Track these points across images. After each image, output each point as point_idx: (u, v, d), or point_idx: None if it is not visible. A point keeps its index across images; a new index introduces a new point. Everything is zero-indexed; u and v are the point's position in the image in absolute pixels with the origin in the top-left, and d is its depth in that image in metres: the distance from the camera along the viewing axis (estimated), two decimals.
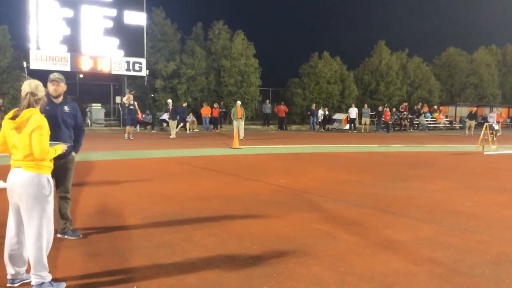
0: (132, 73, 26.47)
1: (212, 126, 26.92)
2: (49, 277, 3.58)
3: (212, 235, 5.14)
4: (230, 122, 25.39)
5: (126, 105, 17.71)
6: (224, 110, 28.93)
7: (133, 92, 22.54)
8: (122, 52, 25.94)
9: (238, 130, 18.59)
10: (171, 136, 20.35)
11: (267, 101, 31.54)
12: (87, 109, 27.01)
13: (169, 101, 22.57)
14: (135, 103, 19.02)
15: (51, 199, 3.64)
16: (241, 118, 19.71)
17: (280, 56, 46.04)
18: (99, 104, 27.40)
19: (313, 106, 30.44)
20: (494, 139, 16.98)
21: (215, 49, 31.26)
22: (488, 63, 41.00)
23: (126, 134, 17.91)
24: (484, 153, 15.56)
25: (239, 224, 5.66)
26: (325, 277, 3.97)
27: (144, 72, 26.69)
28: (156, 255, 4.45)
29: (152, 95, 29.82)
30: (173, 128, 21.04)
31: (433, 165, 12.29)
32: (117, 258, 4.35)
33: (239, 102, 20.49)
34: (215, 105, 27.54)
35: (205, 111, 26.41)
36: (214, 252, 4.56)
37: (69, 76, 26.36)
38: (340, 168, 11.26)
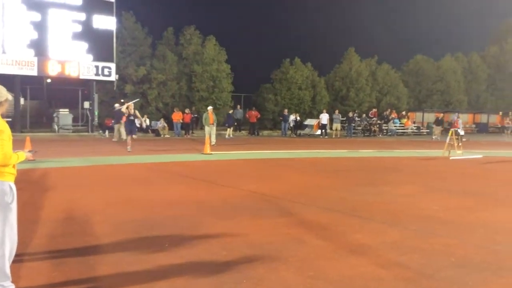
0: (101, 77, 26.04)
1: (183, 132, 26.73)
2: (11, 287, 3.47)
3: (182, 241, 5.09)
4: (202, 128, 25.28)
5: (126, 115, 15.96)
6: (195, 115, 28.78)
7: (136, 100, 21.74)
8: (91, 57, 25.51)
9: (210, 136, 18.54)
10: (114, 139, 21.27)
11: (239, 106, 31.58)
12: (54, 115, 26.42)
13: (117, 105, 22.85)
14: (136, 112, 16.94)
15: (13, 206, 3.53)
16: (212, 124, 19.66)
17: (252, 62, 46.17)
18: (67, 109, 26.82)
19: (285, 112, 30.63)
20: (460, 144, 17.45)
21: (187, 54, 31.12)
22: (454, 70, 42.22)
23: (128, 146, 15.64)
24: (450, 158, 15.96)
25: (209, 230, 5.63)
26: (294, 282, 3.98)
27: (113, 77, 26.30)
28: (123, 262, 4.37)
29: (122, 100, 29.40)
30: (121, 131, 21.47)
31: (401, 170, 12.54)
32: (83, 266, 4.25)
33: (210, 108, 20.45)
34: (187, 110, 27.37)
35: (176, 116, 26.22)
36: (184, 258, 4.52)
37: (36, 81, 25.81)
38: (311, 173, 11.36)
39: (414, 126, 35.64)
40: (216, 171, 11.65)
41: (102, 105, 27.04)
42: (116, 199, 7.45)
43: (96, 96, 26.46)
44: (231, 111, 28.39)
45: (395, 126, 33.32)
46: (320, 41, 59.69)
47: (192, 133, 27.57)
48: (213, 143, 18.87)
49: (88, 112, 26.47)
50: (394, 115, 34.42)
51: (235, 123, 28.51)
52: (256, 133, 29.79)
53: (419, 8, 72.72)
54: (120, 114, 22.47)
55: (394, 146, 21.97)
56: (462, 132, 20.59)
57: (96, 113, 26.35)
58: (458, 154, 16.74)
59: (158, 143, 20.82)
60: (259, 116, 30.53)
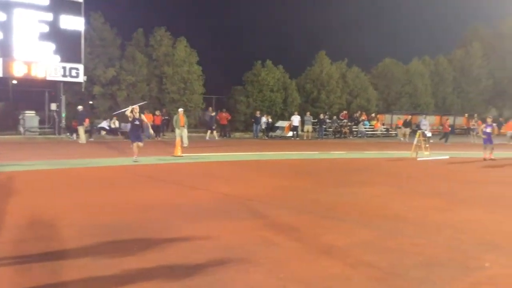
0: (68, 79, 25.43)
1: (154, 134, 26.36)
2: None
3: (151, 245, 5.00)
4: (173, 130, 25.00)
5: (130, 120, 13.89)
6: (166, 117, 28.49)
7: (143, 102, 20.57)
8: (58, 58, 24.90)
9: (182, 138, 18.37)
10: (81, 142, 21.17)
11: (210, 108, 31.40)
12: (20, 117, 25.67)
13: (80, 107, 22.71)
14: (142, 116, 14.43)
15: None
16: (183, 126, 19.49)
17: (223, 63, 46.07)
18: (33, 111, 26.10)
19: (257, 114, 30.65)
20: (427, 145, 17.84)
21: (157, 55, 30.80)
22: (421, 73, 43.21)
23: (134, 156, 13.58)
24: (418, 159, 16.29)
25: (180, 233, 5.55)
26: (265, 284, 3.97)
27: (81, 78, 25.74)
28: (91, 267, 4.26)
29: (91, 102, 28.87)
30: (80, 134, 21.69)
31: (371, 171, 12.72)
32: (49, 272, 4.12)
33: (181, 110, 20.27)
34: (157, 112, 27.06)
35: (147, 118, 25.82)
36: (154, 262, 4.43)
37: (1, 82, 24.99)
38: (283, 175, 11.38)
39: (383, 128, 36.25)
40: (187, 173, 11.54)
41: (69, 107, 26.42)
42: (83, 202, 7.28)
43: (63, 98, 25.87)
44: (213, 113, 28.19)
45: (365, 128, 33.81)
46: (291, 44, 60.16)
47: (163, 135, 27.24)
48: (185, 145, 18.71)
49: (55, 114, 25.87)
50: (364, 117, 34.92)
51: (215, 125, 28.46)
52: (227, 135, 29.69)
53: (387, 12, 74.18)
54: (83, 116, 22.27)
55: (364, 147, 22.28)
56: (429, 134, 21.10)
57: (63, 115, 25.77)
58: (425, 155, 17.10)
59: (127, 145, 20.45)
60: (230, 118, 30.45)
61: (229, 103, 34.31)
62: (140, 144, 13.58)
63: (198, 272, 4.18)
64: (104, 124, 26.74)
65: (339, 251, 4.94)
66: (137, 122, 13.81)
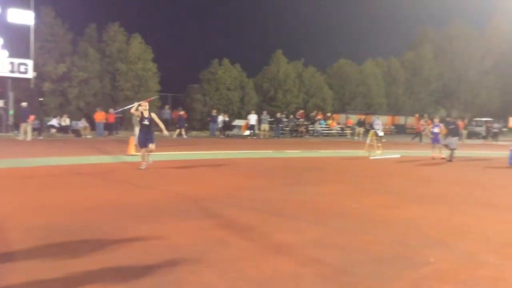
0: (17, 75, 24.45)
1: (107, 132, 25.77)
2: None
3: (99, 247, 4.87)
4: (127, 128, 24.56)
5: (138, 119, 11.58)
6: (120, 115, 27.86)
7: (153, 97, 18.05)
8: (6, 53, 23.92)
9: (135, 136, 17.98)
10: (27, 139, 20.67)
11: (166, 107, 31.01)
12: None
13: (24, 104, 22.03)
14: (153, 115, 11.56)
15: None
16: None
17: (180, 61, 45.58)
18: None
19: (214, 112, 30.51)
20: (379, 144, 18.33)
21: (110, 51, 30.07)
22: (375, 74, 44.38)
23: (143, 163, 11.53)
24: (370, 157, 16.71)
25: (130, 234, 5.42)
26: (216, 283, 3.94)
27: (30, 74, 24.81)
28: (36, 270, 4.10)
29: (41, 99, 27.81)
30: (26, 131, 21.11)
31: (325, 170, 12.94)
32: None
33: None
34: (111, 110, 26.41)
35: (99, 116, 25.21)
36: (101, 264, 4.32)
37: None
38: (238, 174, 11.38)
39: (339, 127, 36.96)
40: (140, 173, 11.30)
41: (17, 104, 25.39)
42: (29, 203, 6.99)
43: (11, 95, 24.82)
44: (181, 112, 28.00)
45: (320, 127, 34.35)
46: (248, 43, 60.31)
47: (117, 133, 26.63)
48: None
49: (2, 112, 24.77)
50: (320, 116, 35.49)
51: (186, 124, 28.19)
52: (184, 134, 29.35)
53: (342, 14, 75.75)
54: (26, 112, 21.48)
55: (319, 146, 22.63)
56: (381, 133, 21.71)
57: (10, 112, 24.72)
58: (378, 154, 17.57)
59: (78, 144, 19.88)
60: (186, 116, 30.15)
61: (185, 101, 33.97)
62: (152, 146, 11.34)
63: (148, 273, 4.11)
64: (54, 121, 25.86)
65: (291, 249, 4.98)
66: (146, 122, 11.23)
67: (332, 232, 5.82)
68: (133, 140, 15.95)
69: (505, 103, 47.97)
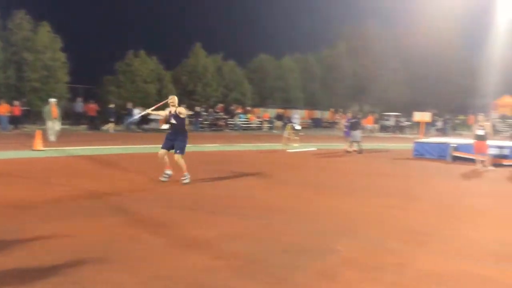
0: None
1: (12, 126, 23.93)
2: None
3: (1, 247, 4.50)
4: (35, 122, 22.99)
5: (167, 114, 9.25)
6: (26, 108, 26.00)
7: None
8: None
9: (47, 131, 16.97)
10: None
11: (79, 99, 29.41)
12: None
13: None
14: (180, 109, 9.10)
15: None
16: (56, 118, 17.95)
17: (93, 51, 43.47)
18: None
19: (129, 105, 29.44)
20: (296, 138, 18.79)
21: (15, 40, 27.92)
22: (292, 69, 45.48)
23: (184, 173, 9.06)
24: (288, 150, 17.06)
25: (34, 233, 5.04)
26: (129, 283, 3.78)
27: None
28: None
29: None
30: None
31: (243, 163, 12.99)
32: None
33: (53, 100, 18.65)
34: (16, 102, 24.54)
35: (3, 109, 23.35)
36: (2, 266, 4.00)
37: None
38: (153, 169, 11.03)
39: (258, 121, 37.40)
40: (48, 169, 10.60)
41: None
42: None
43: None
44: (111, 105, 26.98)
45: (240, 121, 34.54)
46: (166, 35, 59.05)
47: (23, 127, 24.82)
48: (53, 139, 17.21)
49: None
50: (239, 110, 35.65)
51: (115, 118, 26.95)
52: (96, 127, 28.05)
53: (261, 8, 76.72)
54: None
55: (239, 140, 22.71)
56: (298, 127, 22.28)
57: None
58: (295, 147, 17.99)
59: None
60: (98, 109, 28.81)
61: (98, 93, 32.48)
62: (177, 157, 8.98)
63: (53, 274, 3.85)
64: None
65: (206, 244, 4.91)
66: (173, 121, 8.96)
67: (249, 224, 5.84)
68: (40, 135, 14.97)
69: (413, 99, 51.24)
